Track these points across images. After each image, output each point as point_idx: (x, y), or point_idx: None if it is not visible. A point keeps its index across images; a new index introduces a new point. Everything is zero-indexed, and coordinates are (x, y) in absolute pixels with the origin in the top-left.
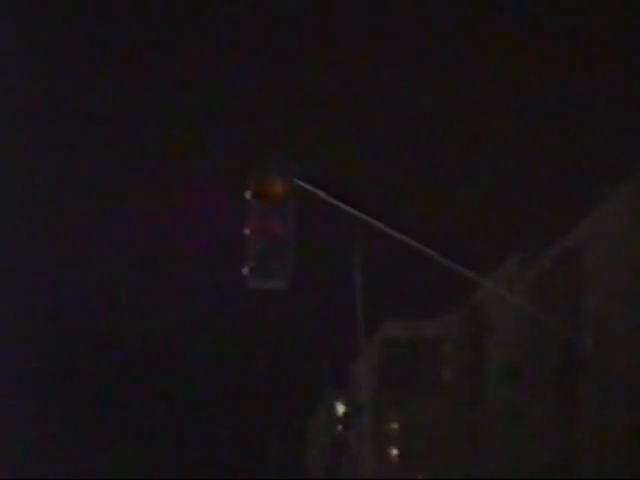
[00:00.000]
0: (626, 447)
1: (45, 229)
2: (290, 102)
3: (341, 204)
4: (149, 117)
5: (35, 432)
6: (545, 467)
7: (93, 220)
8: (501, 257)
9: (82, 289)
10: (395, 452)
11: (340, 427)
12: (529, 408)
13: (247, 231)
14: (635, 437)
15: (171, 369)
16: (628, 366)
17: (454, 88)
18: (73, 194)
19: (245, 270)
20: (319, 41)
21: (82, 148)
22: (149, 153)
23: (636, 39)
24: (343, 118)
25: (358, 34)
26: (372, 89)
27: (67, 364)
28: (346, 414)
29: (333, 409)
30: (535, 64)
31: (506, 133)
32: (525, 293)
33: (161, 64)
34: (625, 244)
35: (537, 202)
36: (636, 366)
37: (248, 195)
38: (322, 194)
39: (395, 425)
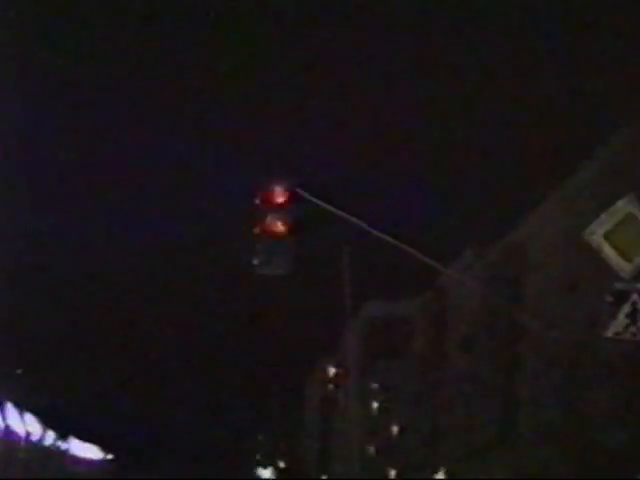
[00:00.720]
0: (556, 397)
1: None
2: (293, 125)
3: (332, 208)
4: (167, 139)
5: None
6: (492, 417)
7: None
8: (459, 250)
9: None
10: (375, 406)
11: (331, 386)
12: (481, 371)
13: (256, 230)
14: (564, 391)
15: (193, 338)
16: (559, 336)
17: (414, 97)
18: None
19: (255, 260)
20: (317, 65)
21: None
22: (173, 172)
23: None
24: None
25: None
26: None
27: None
28: (336, 375)
29: (326, 371)
30: (483, 70)
31: (461, 146)
32: (478, 279)
33: (175, 81)
34: (559, 241)
35: (488, 205)
36: (570, 337)
37: (258, 202)
38: (317, 201)
39: (375, 385)
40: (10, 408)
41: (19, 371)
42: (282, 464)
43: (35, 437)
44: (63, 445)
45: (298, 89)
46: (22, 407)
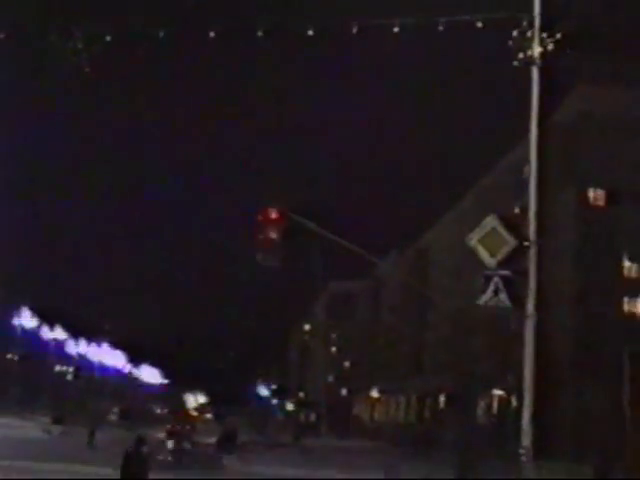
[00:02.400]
0: (448, 342)
1: None
2: (285, 166)
3: (308, 222)
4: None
5: None
6: (408, 356)
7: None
8: (389, 250)
9: None
10: (334, 349)
11: (306, 336)
12: (402, 326)
13: (260, 236)
14: (453, 338)
15: (224, 311)
16: (454, 306)
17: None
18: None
19: (258, 255)
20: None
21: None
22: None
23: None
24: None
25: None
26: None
27: None
28: (310, 331)
29: (303, 327)
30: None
31: (391, 184)
32: (400, 268)
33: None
34: (451, 244)
35: (406, 221)
36: (457, 305)
37: (260, 218)
38: (298, 217)
39: (334, 335)
40: (105, 346)
41: (107, 327)
42: (274, 386)
43: (119, 368)
44: (136, 372)
45: (289, 138)
46: (114, 345)
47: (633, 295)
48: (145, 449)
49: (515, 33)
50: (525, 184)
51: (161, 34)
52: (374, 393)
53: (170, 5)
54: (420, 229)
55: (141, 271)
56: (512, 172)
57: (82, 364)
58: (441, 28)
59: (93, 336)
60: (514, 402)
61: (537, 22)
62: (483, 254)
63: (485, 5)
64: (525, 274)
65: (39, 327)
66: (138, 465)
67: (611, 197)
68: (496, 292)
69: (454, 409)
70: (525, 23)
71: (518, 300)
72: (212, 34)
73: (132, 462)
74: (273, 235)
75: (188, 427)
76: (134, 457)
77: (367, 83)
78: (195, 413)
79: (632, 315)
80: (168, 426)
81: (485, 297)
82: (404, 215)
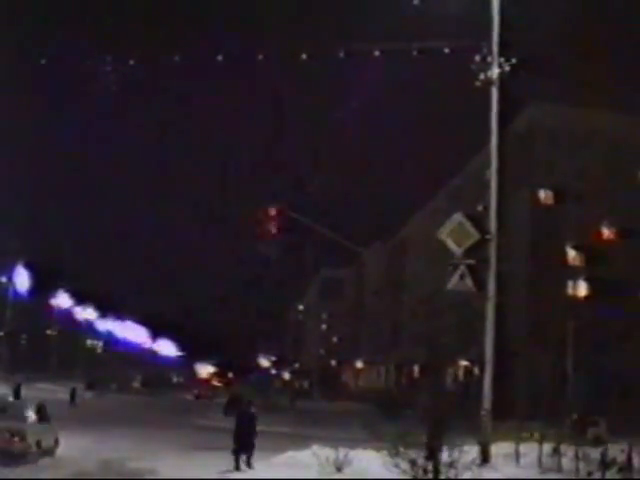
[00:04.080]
0: (423, 318)
1: None
2: (283, 171)
3: (302, 218)
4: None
5: None
6: (387, 332)
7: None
8: (373, 241)
9: None
10: (324, 326)
11: (301, 316)
12: (381, 306)
13: (261, 230)
14: (425, 314)
15: (231, 295)
16: (426, 289)
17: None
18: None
19: (259, 247)
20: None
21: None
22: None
23: None
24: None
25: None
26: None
27: None
28: (304, 310)
29: (298, 307)
30: None
31: (376, 184)
32: (382, 257)
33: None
34: (425, 237)
35: (388, 217)
36: (429, 289)
37: (260, 215)
38: (294, 214)
39: (325, 315)
40: (129, 323)
41: (130, 307)
42: (273, 358)
43: (141, 342)
44: (155, 346)
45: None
46: (136, 323)
47: (575, 279)
48: (253, 409)
49: (477, 58)
50: (487, 185)
51: (176, 58)
52: (358, 363)
53: (182, 33)
54: (398, 224)
55: (161, 262)
56: (476, 175)
57: (109, 339)
58: (415, 53)
59: (119, 315)
60: (477, 371)
61: (495, 49)
62: (451, 245)
63: (452, 34)
64: (486, 262)
65: (73, 307)
66: (249, 421)
67: (558, 196)
68: (462, 277)
69: (426, 377)
70: (485, 49)
71: (480, 284)
72: (219, 57)
73: (244, 419)
74: (272, 229)
75: (210, 392)
76: (245, 415)
77: (356, 95)
78: (215, 381)
79: (574, 296)
80: (195, 391)
81: (453, 282)
82: (385, 212)
